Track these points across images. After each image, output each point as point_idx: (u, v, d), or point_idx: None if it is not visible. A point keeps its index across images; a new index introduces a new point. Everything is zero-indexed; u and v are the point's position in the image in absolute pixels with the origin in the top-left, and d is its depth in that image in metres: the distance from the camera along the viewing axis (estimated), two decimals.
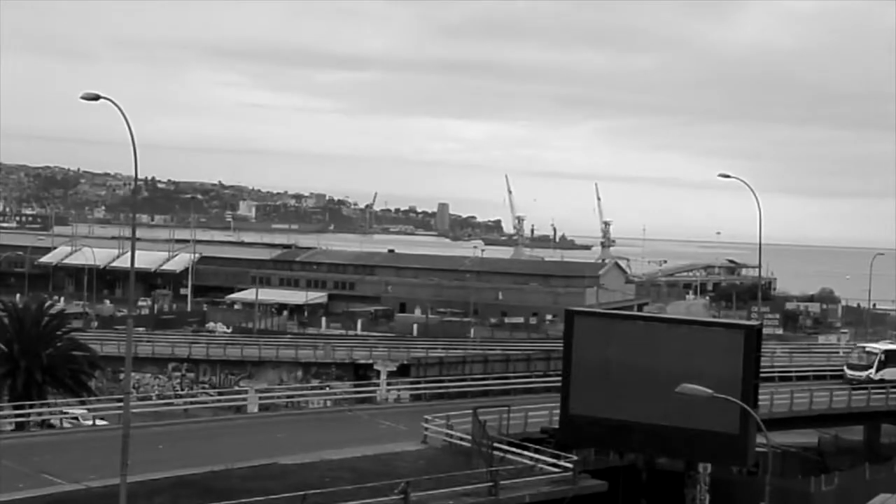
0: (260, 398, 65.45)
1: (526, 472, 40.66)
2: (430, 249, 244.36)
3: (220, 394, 70.05)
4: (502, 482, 38.35)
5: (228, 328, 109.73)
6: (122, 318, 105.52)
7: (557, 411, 45.50)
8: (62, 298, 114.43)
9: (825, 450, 64.67)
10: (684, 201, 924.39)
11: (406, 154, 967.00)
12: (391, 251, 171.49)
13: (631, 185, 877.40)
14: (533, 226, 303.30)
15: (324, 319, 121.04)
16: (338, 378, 78.28)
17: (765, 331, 57.07)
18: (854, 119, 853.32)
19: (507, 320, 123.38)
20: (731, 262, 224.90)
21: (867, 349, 74.20)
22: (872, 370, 70.15)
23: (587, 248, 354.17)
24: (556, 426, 45.86)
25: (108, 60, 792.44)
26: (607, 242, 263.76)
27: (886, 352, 72.29)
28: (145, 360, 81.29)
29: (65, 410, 55.19)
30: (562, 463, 40.98)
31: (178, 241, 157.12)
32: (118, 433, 33.81)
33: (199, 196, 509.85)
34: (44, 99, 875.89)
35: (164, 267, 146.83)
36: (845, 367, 72.67)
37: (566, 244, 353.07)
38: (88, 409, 55.31)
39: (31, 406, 53.05)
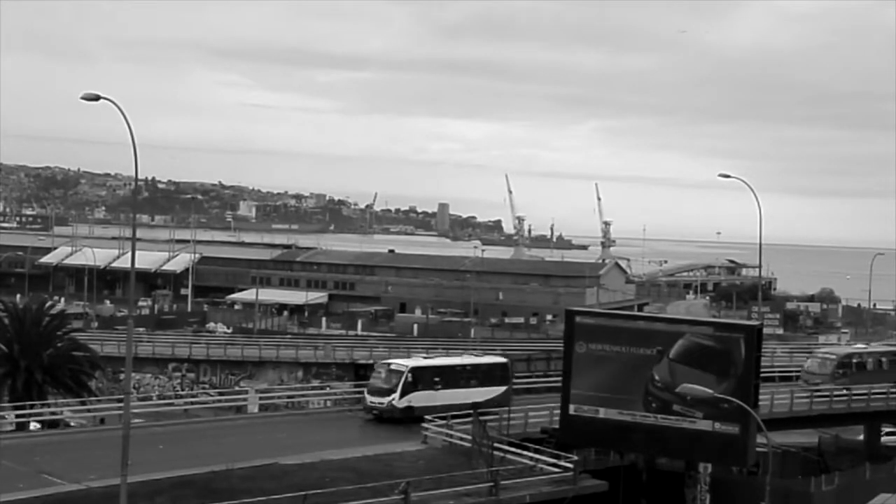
0: (260, 398, 65.51)
1: (526, 472, 40.70)
2: (430, 250, 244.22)
3: (220, 394, 70.08)
4: (503, 482, 38.39)
5: (229, 328, 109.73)
6: (123, 318, 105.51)
7: (558, 411, 45.53)
8: (62, 299, 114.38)
9: (825, 450, 64.60)
10: (684, 201, 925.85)
11: (406, 154, 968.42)
12: (391, 251, 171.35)
13: (631, 185, 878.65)
14: (530, 226, 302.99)
15: (324, 319, 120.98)
16: (338, 378, 78.38)
17: (765, 331, 57.03)
18: (854, 119, 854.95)
19: (507, 320, 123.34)
20: (731, 262, 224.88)
21: (392, 366, 53.19)
22: (396, 395, 51.20)
23: (584, 247, 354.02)
24: (557, 426, 45.89)
25: (108, 60, 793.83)
26: (607, 242, 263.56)
27: (415, 369, 52.27)
28: (146, 360, 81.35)
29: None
30: (562, 463, 41.01)
31: (178, 241, 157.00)
32: (118, 433, 33.84)
33: (200, 196, 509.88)
34: (44, 99, 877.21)
35: (164, 267, 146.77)
36: (366, 392, 53.10)
37: (563, 244, 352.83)
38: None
39: (31, 406, 53.13)
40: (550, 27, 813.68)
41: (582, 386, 44.09)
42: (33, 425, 51.88)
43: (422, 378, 51.98)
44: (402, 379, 51.28)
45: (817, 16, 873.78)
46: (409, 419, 50.01)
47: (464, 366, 55.17)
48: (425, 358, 56.80)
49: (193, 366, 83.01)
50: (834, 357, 64.93)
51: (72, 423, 53.85)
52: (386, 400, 51.17)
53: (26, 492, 34.95)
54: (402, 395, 51.02)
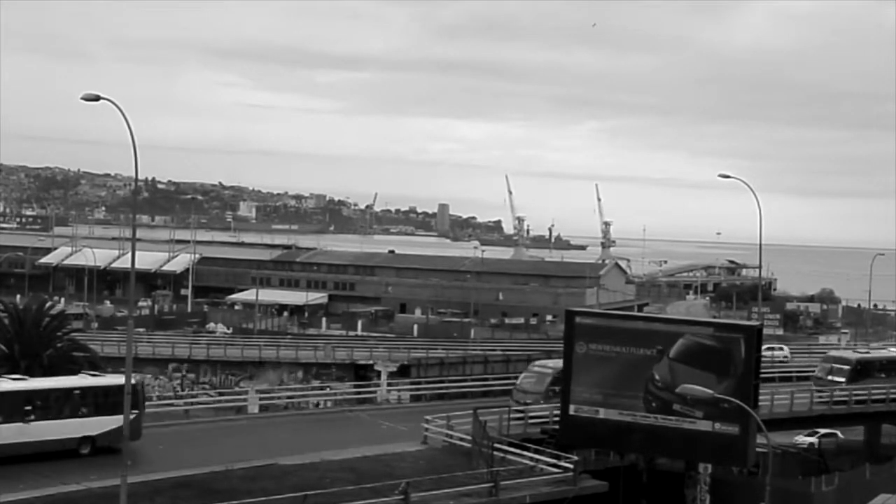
0: (260, 399, 65.46)
1: (526, 472, 40.67)
2: (429, 250, 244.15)
3: (220, 394, 70.01)
4: (503, 482, 38.35)
5: (229, 329, 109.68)
6: (123, 318, 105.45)
7: (558, 411, 45.52)
8: (62, 299, 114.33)
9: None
10: (684, 201, 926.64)
11: (406, 154, 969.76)
12: (391, 252, 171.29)
13: (631, 185, 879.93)
14: (529, 226, 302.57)
15: (324, 320, 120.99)
16: (338, 379, 78.32)
17: (765, 331, 57.01)
18: (854, 119, 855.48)
19: (507, 321, 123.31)
20: (731, 262, 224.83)
21: None
22: None
23: (582, 248, 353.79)
24: (557, 426, 45.87)
25: (108, 60, 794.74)
26: (607, 243, 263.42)
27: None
28: (146, 360, 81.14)
29: None
30: (562, 463, 40.97)
31: (178, 241, 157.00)
32: None
33: (200, 197, 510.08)
34: (44, 99, 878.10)
35: (164, 267, 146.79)
36: None
37: (562, 244, 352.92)
38: None
39: None
40: (550, 27, 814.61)
41: (582, 386, 44.06)
42: None
43: (5, 406, 39.36)
44: None
45: (817, 16, 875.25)
46: None
47: (69, 389, 41.79)
48: (15, 379, 42.05)
49: (193, 366, 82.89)
50: (550, 371, 51.86)
51: None
52: None
53: (26, 492, 34.94)
54: None
